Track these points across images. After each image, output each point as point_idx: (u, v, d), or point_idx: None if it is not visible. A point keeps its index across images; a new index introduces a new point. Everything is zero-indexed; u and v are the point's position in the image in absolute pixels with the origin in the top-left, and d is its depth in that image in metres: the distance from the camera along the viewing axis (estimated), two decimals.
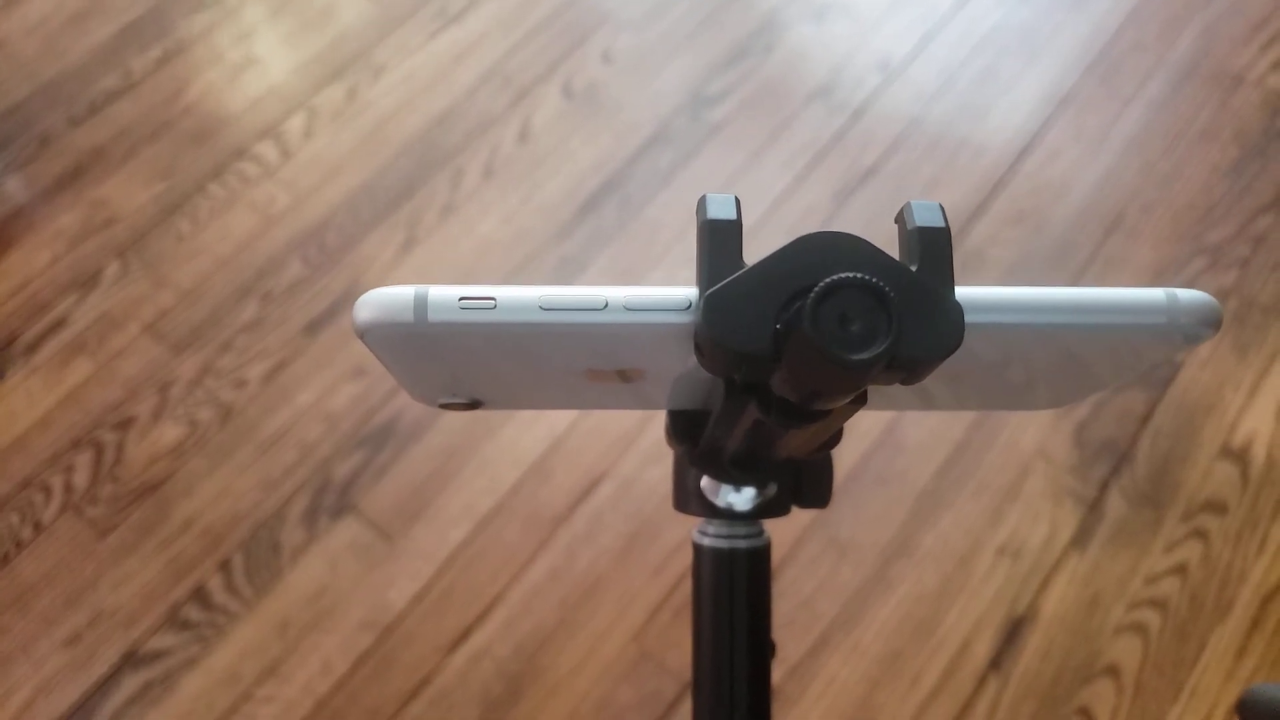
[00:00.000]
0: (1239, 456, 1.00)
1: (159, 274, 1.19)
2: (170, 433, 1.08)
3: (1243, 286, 1.09)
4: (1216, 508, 0.97)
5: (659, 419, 1.12)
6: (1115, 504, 0.98)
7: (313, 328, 1.14)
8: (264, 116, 1.31)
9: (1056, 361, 0.29)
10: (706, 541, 0.40)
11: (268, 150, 1.28)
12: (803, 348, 0.21)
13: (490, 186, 1.23)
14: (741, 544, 0.40)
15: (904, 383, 0.23)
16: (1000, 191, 1.18)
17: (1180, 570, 0.95)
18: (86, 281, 1.19)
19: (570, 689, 0.93)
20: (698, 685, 0.40)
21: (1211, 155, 1.18)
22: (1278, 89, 1.22)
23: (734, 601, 0.40)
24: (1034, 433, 1.02)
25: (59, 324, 1.16)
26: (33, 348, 1.15)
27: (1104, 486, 0.99)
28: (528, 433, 1.05)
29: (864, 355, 0.21)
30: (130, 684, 0.96)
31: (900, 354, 0.22)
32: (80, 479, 1.06)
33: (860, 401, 0.25)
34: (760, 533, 0.41)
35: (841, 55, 1.31)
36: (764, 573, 0.40)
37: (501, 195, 1.22)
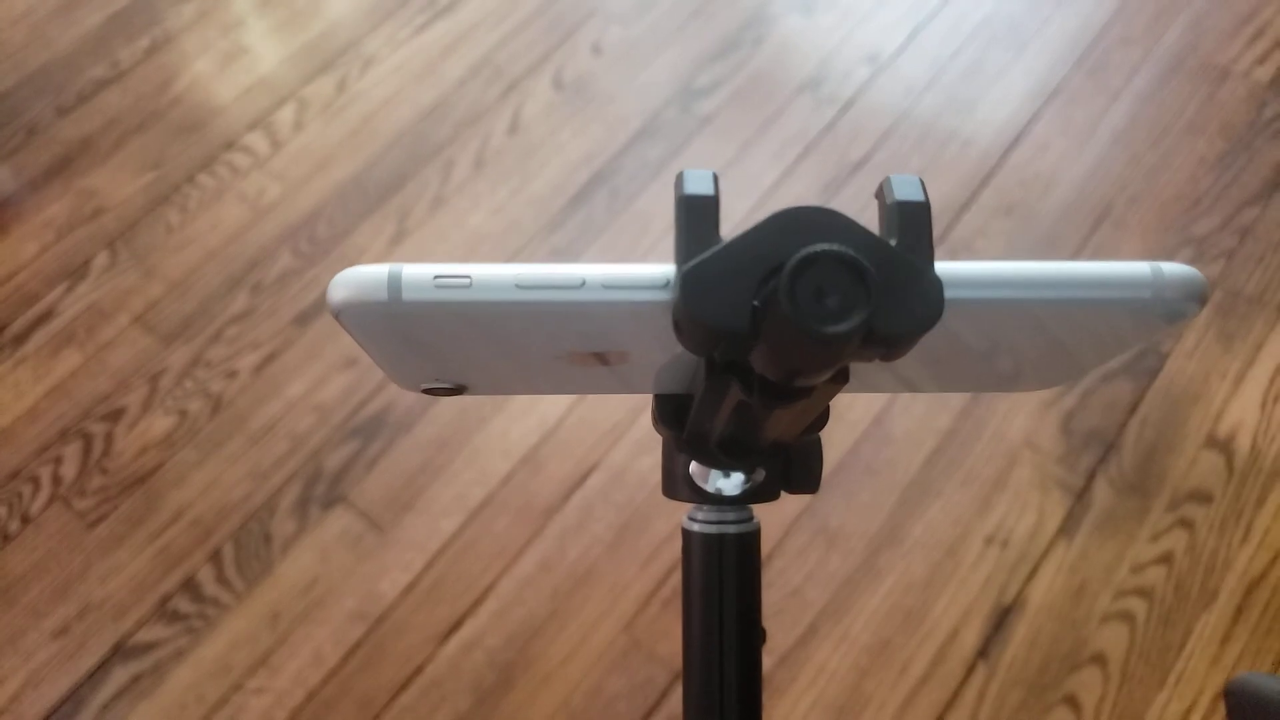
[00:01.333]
0: (1224, 446, 1.00)
1: (148, 265, 1.18)
2: (160, 424, 1.08)
3: (1228, 278, 1.10)
4: (1202, 497, 0.98)
5: (650, 411, 1.12)
6: (1102, 493, 0.99)
7: (303, 319, 1.14)
8: (254, 107, 1.31)
9: (1041, 339, 0.29)
10: (696, 527, 0.40)
11: (258, 141, 1.27)
12: (780, 322, 0.21)
13: (481, 178, 1.23)
14: (731, 529, 0.40)
15: (884, 359, 0.23)
16: (988, 183, 1.18)
17: (1166, 559, 0.96)
18: (75, 272, 1.18)
19: (562, 678, 0.93)
20: (688, 671, 0.40)
21: (1198, 148, 1.19)
22: (1264, 82, 1.23)
23: (724, 587, 0.39)
24: (1022, 422, 1.02)
25: (47, 315, 1.15)
26: (20, 339, 1.14)
27: (1091, 476, 1.00)
28: (519, 423, 1.05)
29: (840, 328, 0.20)
30: (120, 676, 0.96)
31: (878, 328, 0.21)
32: (69, 470, 1.06)
33: (841, 379, 0.25)
34: (750, 518, 0.41)
35: (831, 48, 1.31)
36: (754, 558, 0.40)
37: (492, 187, 1.22)
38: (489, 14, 1.37)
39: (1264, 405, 1.02)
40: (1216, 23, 1.29)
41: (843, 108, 1.25)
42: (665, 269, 0.24)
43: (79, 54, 1.36)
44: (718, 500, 0.39)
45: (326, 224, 1.20)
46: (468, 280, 0.24)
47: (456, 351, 0.28)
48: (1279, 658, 0.91)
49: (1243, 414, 1.02)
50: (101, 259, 1.19)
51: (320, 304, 1.14)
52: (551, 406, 1.06)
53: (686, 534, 0.40)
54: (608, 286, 0.24)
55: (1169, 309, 0.25)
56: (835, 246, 0.21)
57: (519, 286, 0.24)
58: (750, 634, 0.40)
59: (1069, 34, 1.30)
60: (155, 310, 1.15)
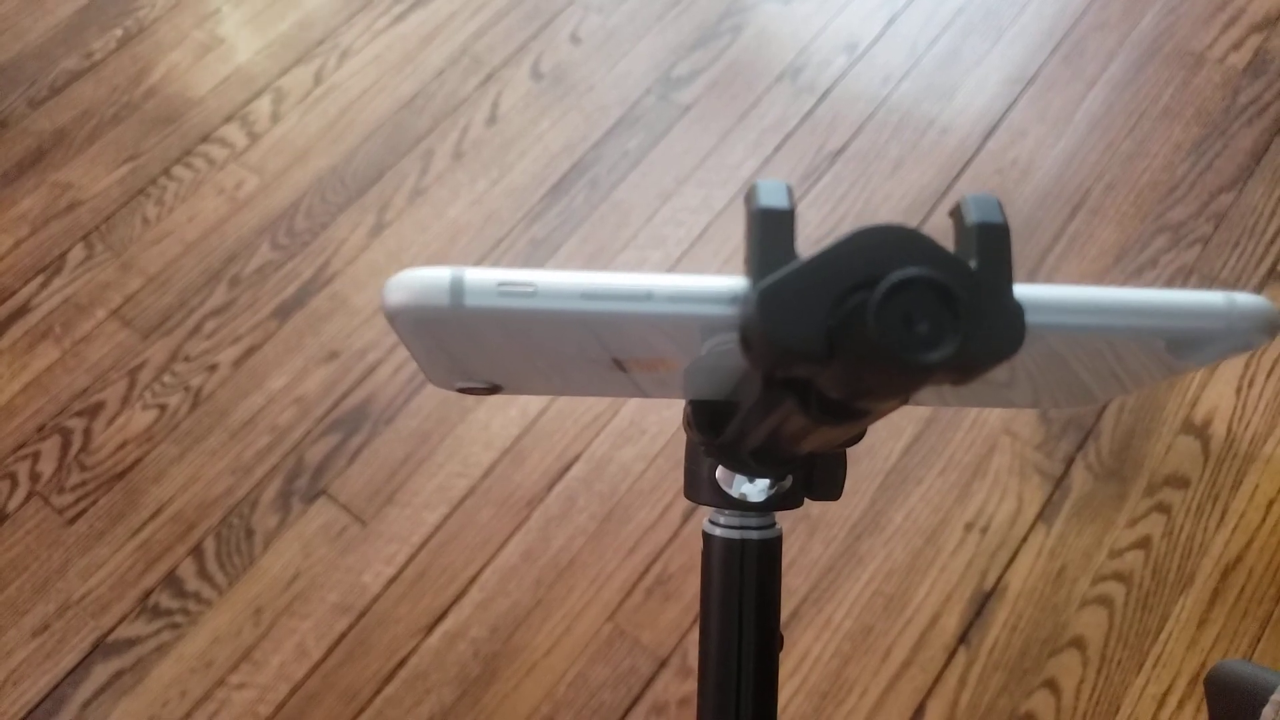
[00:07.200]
0: (1200, 431, 1.01)
1: (125, 258, 1.17)
2: (139, 418, 1.07)
3: (1203, 264, 1.11)
4: (1178, 482, 0.99)
5: (631, 402, 1.12)
6: (1081, 479, 1.00)
7: (283, 311, 1.13)
8: (230, 99, 1.30)
9: (1099, 362, 0.29)
10: (718, 532, 0.40)
11: (234, 133, 1.26)
12: (863, 346, 0.20)
13: (460, 169, 1.22)
14: (753, 535, 0.39)
15: (955, 383, 0.22)
16: (966, 171, 1.19)
17: (1143, 543, 0.97)
18: (50, 266, 1.17)
19: (546, 668, 0.93)
20: (704, 676, 0.40)
21: (1174, 134, 1.20)
22: (1239, 68, 1.24)
23: (744, 593, 0.39)
24: (1000, 410, 1.03)
25: (22, 310, 1.14)
26: None
27: (1069, 462, 1.01)
28: (500, 415, 1.05)
29: (932, 356, 0.20)
30: (101, 673, 0.95)
31: (961, 355, 0.21)
32: (46, 466, 1.05)
33: (904, 400, 0.24)
34: (772, 524, 0.40)
35: (809, 36, 1.31)
36: (774, 564, 0.40)
37: (471, 178, 1.22)
38: (466, 3, 1.36)
39: (1239, 390, 1.03)
40: (1191, 9, 1.30)
41: (821, 96, 1.26)
42: (733, 282, 0.24)
43: (51, 44, 1.35)
44: (742, 505, 0.39)
45: (305, 216, 1.19)
46: (532, 288, 0.24)
47: (498, 354, 0.28)
48: (1255, 640, 0.92)
49: (1218, 399, 1.03)
50: (77, 252, 1.18)
51: (300, 296, 1.14)
52: (533, 398, 1.06)
53: (707, 538, 0.40)
54: (674, 299, 0.24)
55: (1240, 340, 0.25)
56: (928, 271, 0.20)
57: (585, 296, 0.24)
58: (769, 641, 0.40)
59: (1045, 21, 1.30)
60: (133, 304, 1.14)
